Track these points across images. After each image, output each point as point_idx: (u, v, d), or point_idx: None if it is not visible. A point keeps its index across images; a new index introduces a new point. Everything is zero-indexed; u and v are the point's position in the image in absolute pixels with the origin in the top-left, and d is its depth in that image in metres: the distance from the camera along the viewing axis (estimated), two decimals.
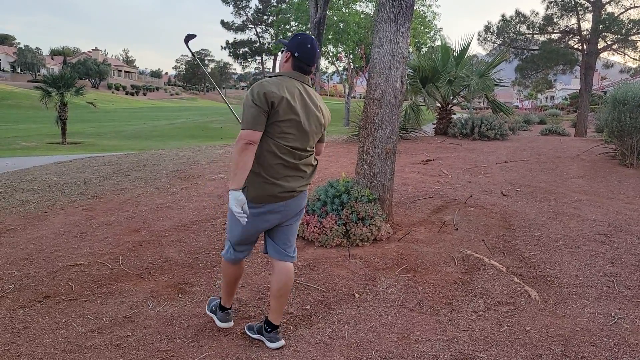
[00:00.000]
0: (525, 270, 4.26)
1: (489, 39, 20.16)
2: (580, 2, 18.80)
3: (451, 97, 11.24)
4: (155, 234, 5.11)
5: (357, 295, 3.81)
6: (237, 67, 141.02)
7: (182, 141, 27.01)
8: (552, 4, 19.14)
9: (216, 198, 6.26)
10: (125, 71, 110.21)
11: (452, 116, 11.14)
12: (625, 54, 19.88)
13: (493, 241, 4.94)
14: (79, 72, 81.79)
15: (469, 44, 11.01)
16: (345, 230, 4.76)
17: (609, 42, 19.44)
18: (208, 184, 6.91)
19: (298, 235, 4.90)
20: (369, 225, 4.79)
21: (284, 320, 3.42)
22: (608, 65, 24.78)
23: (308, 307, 3.63)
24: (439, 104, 11.24)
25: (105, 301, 3.75)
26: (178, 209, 5.90)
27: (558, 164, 7.83)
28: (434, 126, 11.34)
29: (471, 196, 6.06)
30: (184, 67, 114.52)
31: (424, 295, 3.81)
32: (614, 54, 20.62)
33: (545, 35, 20.59)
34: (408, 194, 6.31)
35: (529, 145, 9.60)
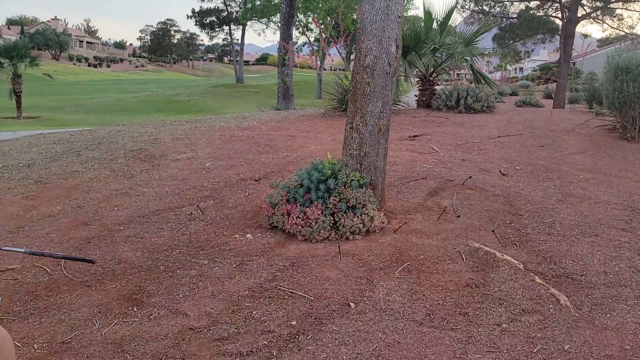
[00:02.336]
0: (545, 267, 3.65)
1: (466, 6, 19.48)
2: None
3: (433, 68, 10.54)
4: (108, 228, 4.32)
5: (352, 305, 3.13)
6: (204, 38, 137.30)
7: (147, 115, 25.76)
8: None
9: (181, 182, 5.47)
10: (87, 42, 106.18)
11: (435, 87, 10.46)
12: (604, 22, 19.49)
13: (501, 230, 4.32)
14: (38, 42, 78.21)
15: (452, 9, 10.30)
16: (333, 222, 4.06)
17: (588, 10, 18.99)
18: (172, 165, 6.10)
19: (277, 227, 4.19)
20: (361, 215, 4.10)
21: (265, 343, 2.74)
22: (586, 35, 24.40)
23: (294, 322, 2.95)
24: (421, 75, 10.53)
25: (40, 320, 2.99)
26: (136, 195, 5.09)
27: (554, 138, 7.26)
28: (416, 98, 10.65)
29: (470, 177, 5.42)
30: (149, 37, 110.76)
31: (432, 302, 3.16)
32: (592, 23, 20.21)
33: (525, 2, 20.01)
34: (398, 174, 5.64)
35: (519, 118, 9.02)
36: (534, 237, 4.16)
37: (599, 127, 7.83)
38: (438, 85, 10.63)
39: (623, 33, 19.31)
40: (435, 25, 9.84)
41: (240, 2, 46.01)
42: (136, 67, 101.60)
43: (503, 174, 5.73)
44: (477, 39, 9.97)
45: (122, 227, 4.33)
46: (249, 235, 4.16)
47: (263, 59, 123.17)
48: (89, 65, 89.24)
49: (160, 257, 3.79)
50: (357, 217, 4.08)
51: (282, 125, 8.66)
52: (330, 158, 4.46)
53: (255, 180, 5.54)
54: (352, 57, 40.89)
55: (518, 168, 5.97)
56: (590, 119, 8.35)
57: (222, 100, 34.20)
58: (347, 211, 4.09)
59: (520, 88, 40.47)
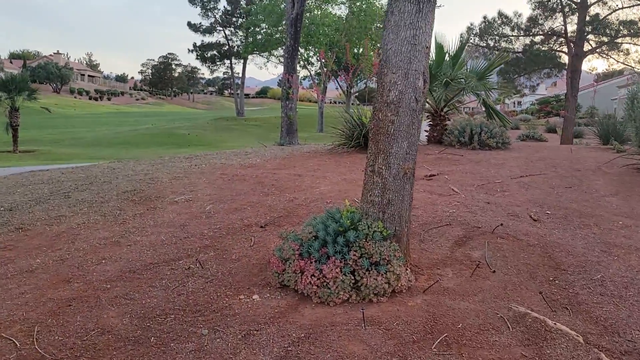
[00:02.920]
0: (609, 340, 3.07)
1: (471, 40, 19.24)
2: (566, 2, 18.06)
3: (444, 102, 10.11)
4: (93, 286, 3.75)
5: None
6: (205, 72, 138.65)
7: (146, 148, 25.38)
8: (539, 4, 18.32)
9: (178, 229, 4.91)
10: (88, 75, 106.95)
11: (447, 122, 10.01)
12: (609, 57, 19.26)
13: (545, 288, 3.75)
14: (39, 76, 78.78)
15: (465, 42, 9.95)
16: (354, 281, 3.50)
17: (593, 45, 18.78)
18: (169, 208, 5.55)
19: (289, 287, 3.63)
20: (386, 273, 3.54)
21: None
22: (592, 70, 24.18)
23: None
24: (432, 109, 10.09)
25: None
26: (127, 245, 4.53)
27: (581, 178, 6.75)
28: (426, 133, 10.19)
29: (501, 225, 4.87)
30: (150, 71, 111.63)
31: None
32: (597, 57, 19.98)
33: (530, 37, 19.80)
34: (420, 220, 5.09)
35: (538, 155, 8.53)
36: (585, 299, 3.59)
37: (627, 166, 7.32)
38: (449, 120, 10.18)
39: (630, 67, 19.06)
40: (447, 57, 9.45)
41: (241, 37, 46.28)
42: (137, 100, 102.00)
43: (534, 220, 5.19)
44: (490, 73, 9.57)
45: (109, 286, 3.75)
46: (255, 297, 3.58)
47: (263, 92, 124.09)
48: (90, 99, 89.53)
49: (152, 324, 3.21)
50: (382, 275, 3.52)
51: (287, 163, 8.15)
52: (348, 206, 3.92)
53: (261, 227, 4.99)
54: (353, 90, 40.83)
55: (548, 212, 5.43)
56: (615, 157, 7.85)
57: (222, 133, 33.92)
58: (370, 268, 3.53)
59: (521, 122, 40.33)
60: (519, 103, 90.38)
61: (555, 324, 3.19)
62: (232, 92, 59.64)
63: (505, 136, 9.46)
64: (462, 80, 9.26)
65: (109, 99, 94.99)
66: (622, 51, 18.73)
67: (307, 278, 3.50)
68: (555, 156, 8.37)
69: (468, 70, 9.69)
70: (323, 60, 30.88)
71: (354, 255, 3.53)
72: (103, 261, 4.19)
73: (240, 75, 50.28)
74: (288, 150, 10.03)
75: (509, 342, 3.02)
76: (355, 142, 8.96)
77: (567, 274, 4.00)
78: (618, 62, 19.07)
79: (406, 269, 3.80)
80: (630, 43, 18.25)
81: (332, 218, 3.84)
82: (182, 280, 3.85)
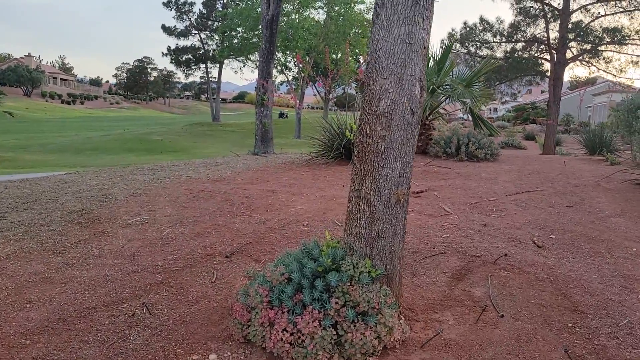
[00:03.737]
0: None
1: (452, 47, 18.73)
2: (548, 9, 17.72)
3: (428, 111, 9.52)
4: (7, 343, 2.97)
5: None
6: (181, 76, 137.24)
7: (116, 155, 24.31)
8: (522, 9, 17.94)
9: (127, 260, 4.15)
10: (61, 79, 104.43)
11: (432, 132, 9.41)
12: (591, 64, 18.99)
13: (565, 339, 3.11)
14: (9, 79, 76.64)
15: (450, 47, 9.40)
16: (336, 336, 2.79)
17: (575, 53, 18.47)
18: (119, 233, 4.78)
19: (256, 346, 2.91)
20: (375, 326, 2.85)
21: None
22: (573, 78, 23.93)
23: None
24: None
25: None
26: (62, 283, 3.76)
27: (582, 196, 6.17)
28: None
29: (506, 255, 4.23)
30: (125, 75, 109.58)
31: None
32: (578, 65, 19.73)
33: (512, 43, 19.42)
34: (410, 247, 4.43)
35: (530, 168, 7.96)
36: (616, 355, 2.95)
37: (627, 181, 6.79)
38: (434, 129, 9.58)
39: (612, 74, 18.83)
40: (431, 62, 8.85)
41: (217, 41, 45.35)
42: (111, 104, 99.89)
43: (538, 246, 4.57)
44: (477, 80, 9.00)
45: (28, 341, 2.98)
46: (212, 357, 2.86)
47: (240, 97, 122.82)
48: (62, 102, 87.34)
49: None
50: (371, 329, 2.82)
51: (260, 177, 7.42)
52: (328, 239, 3.23)
53: (226, 257, 4.26)
54: (331, 96, 40.26)
55: (553, 237, 4.82)
56: (614, 172, 7.32)
57: (197, 139, 32.93)
58: (356, 320, 2.84)
59: (498, 129, 40.26)
60: (495, 110, 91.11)
61: None
62: (208, 97, 58.57)
63: (494, 147, 8.90)
64: (448, 87, 8.67)
65: (82, 103, 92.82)
66: (603, 59, 18.50)
67: (278, 333, 2.79)
68: (549, 169, 7.81)
69: (454, 76, 9.11)
70: (300, 65, 30.20)
71: (336, 303, 2.84)
72: (27, 305, 3.41)
73: (217, 79, 49.30)
74: (262, 161, 9.30)
75: None
76: (335, 153, 8.29)
77: (588, 317, 3.37)
78: (599, 69, 18.84)
79: (399, 317, 3.11)
80: (613, 51, 18.04)
81: (309, 255, 3.14)
82: (123, 332, 3.10)
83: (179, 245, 4.46)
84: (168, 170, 8.16)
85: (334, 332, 2.78)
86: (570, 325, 3.29)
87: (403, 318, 3.17)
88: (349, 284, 2.91)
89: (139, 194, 6.14)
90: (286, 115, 55.94)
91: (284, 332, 2.78)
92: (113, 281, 3.77)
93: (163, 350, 2.90)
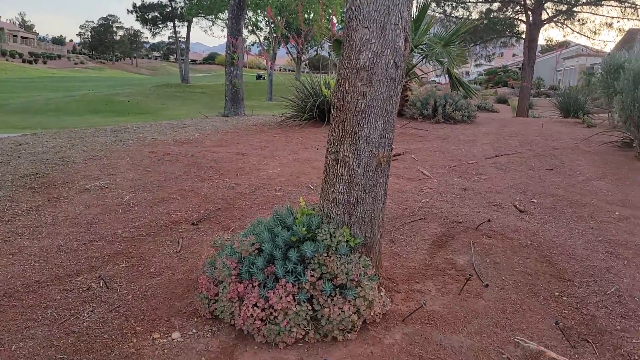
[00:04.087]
0: None
1: (429, 6, 18.24)
2: None
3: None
4: None
5: None
6: (148, 35, 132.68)
7: (79, 117, 23.39)
8: None
9: (84, 228, 3.82)
10: (22, 37, 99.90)
11: (408, 93, 9.13)
12: (565, 26, 18.83)
13: (553, 309, 2.95)
14: None
15: (428, 5, 9.05)
16: (312, 311, 2.56)
17: (550, 14, 18.27)
18: (76, 199, 4.43)
19: (224, 322, 2.66)
20: (354, 300, 2.62)
21: None
22: (548, 40, 23.84)
23: None
24: None
25: None
26: (10, 254, 3.42)
27: (562, 158, 6.03)
28: None
29: (489, 221, 4.05)
30: (89, 34, 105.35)
31: None
32: (553, 27, 19.53)
33: (488, 4, 19.09)
34: (388, 213, 4.21)
35: (508, 130, 7.79)
36: (606, 325, 2.80)
37: (606, 144, 6.68)
38: (410, 90, 9.30)
39: (586, 37, 18.75)
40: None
41: None
42: (75, 64, 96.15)
43: (520, 211, 4.40)
44: (455, 40, 8.69)
45: None
46: (176, 335, 2.60)
47: (211, 58, 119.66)
48: (24, 62, 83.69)
49: None
50: (349, 303, 2.60)
51: (230, 139, 7.06)
52: (303, 206, 2.96)
53: (193, 224, 3.96)
54: (304, 57, 39.51)
55: (534, 201, 4.66)
56: (592, 135, 7.20)
57: (165, 100, 31.95)
58: (334, 294, 2.61)
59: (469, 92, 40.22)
60: (467, 73, 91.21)
61: None
62: (177, 57, 56.81)
63: (471, 109, 8.69)
64: (425, 46, 8.35)
65: (44, 63, 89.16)
66: (578, 20, 18.37)
67: (248, 309, 2.53)
68: (527, 132, 7.65)
69: (432, 35, 8.78)
70: (271, 20, 29.28)
71: (312, 276, 2.59)
72: None
73: (185, 39, 47.73)
74: (232, 123, 8.91)
75: None
76: (309, 115, 7.96)
77: (575, 286, 3.22)
78: (574, 31, 18.74)
79: (379, 290, 2.90)
80: (588, 12, 17.88)
81: (282, 223, 2.88)
82: (77, 309, 2.81)
83: (141, 212, 4.14)
84: (132, 132, 7.72)
85: (310, 307, 2.55)
86: (557, 294, 3.13)
87: (383, 290, 2.96)
88: (325, 255, 2.66)
89: (100, 156, 5.74)
90: (263, 78, 54.85)
91: (255, 308, 2.54)
92: (67, 252, 3.45)
93: (121, 328, 2.63)
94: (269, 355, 2.45)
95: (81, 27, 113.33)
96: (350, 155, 2.81)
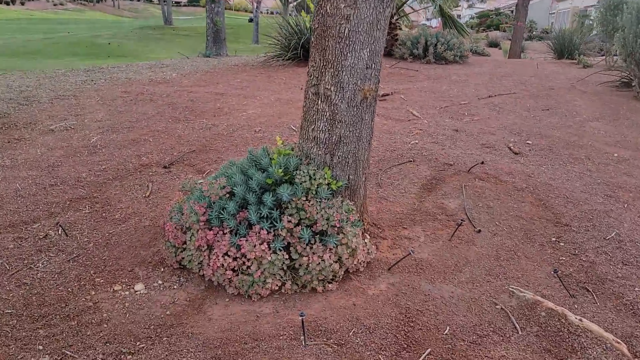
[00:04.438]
0: None
1: None
2: None
3: (394, 9, 8.72)
4: None
5: None
6: None
7: (58, 59, 22.48)
8: None
9: (45, 171, 3.52)
10: None
11: (398, 32, 8.67)
12: None
13: (548, 255, 2.75)
14: None
15: None
16: (288, 261, 2.32)
17: None
18: (39, 140, 4.09)
19: (193, 272, 2.42)
20: (336, 247, 2.38)
21: None
22: None
23: None
24: None
25: None
26: None
27: (557, 99, 5.75)
28: None
29: (482, 163, 3.79)
30: None
31: None
32: None
33: None
34: (375, 155, 3.94)
35: (502, 70, 7.45)
36: (607, 272, 2.60)
37: (603, 84, 6.38)
38: (400, 29, 8.85)
39: None
40: None
41: None
42: (55, 5, 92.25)
43: (515, 153, 4.15)
44: None
45: None
46: (139, 286, 2.36)
47: (195, 0, 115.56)
48: (0, 2, 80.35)
49: None
50: (330, 251, 2.36)
51: (209, 79, 6.66)
52: (280, 145, 2.67)
53: (165, 167, 3.68)
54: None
55: (529, 142, 4.40)
56: (589, 75, 6.89)
57: (147, 43, 30.78)
58: (313, 241, 2.36)
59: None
60: (459, 17, 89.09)
61: (580, 320, 2.19)
62: None
63: (464, 48, 8.30)
64: None
65: (22, 4, 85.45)
66: None
67: (218, 258, 2.29)
68: (521, 72, 7.32)
69: None
70: None
71: (289, 222, 2.34)
72: None
73: None
74: (213, 63, 8.45)
75: (523, 356, 1.99)
76: (293, 54, 7.53)
77: (572, 230, 3.01)
78: None
79: (364, 236, 2.66)
80: None
81: (257, 165, 2.60)
82: (31, 258, 2.55)
83: (108, 155, 3.83)
84: (106, 72, 7.27)
85: (286, 256, 2.31)
86: (554, 239, 2.92)
87: (368, 236, 2.73)
88: (304, 199, 2.40)
89: (68, 96, 5.35)
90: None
91: (226, 257, 2.29)
92: (24, 197, 3.16)
93: (78, 280, 2.38)
94: (241, 308, 2.23)
95: None
96: (332, 88, 2.50)
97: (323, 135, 2.57)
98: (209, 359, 1.91)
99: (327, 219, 2.38)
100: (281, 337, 2.03)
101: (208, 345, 1.98)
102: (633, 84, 5.75)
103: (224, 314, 2.19)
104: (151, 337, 2.03)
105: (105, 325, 2.09)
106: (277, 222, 2.36)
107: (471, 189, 3.45)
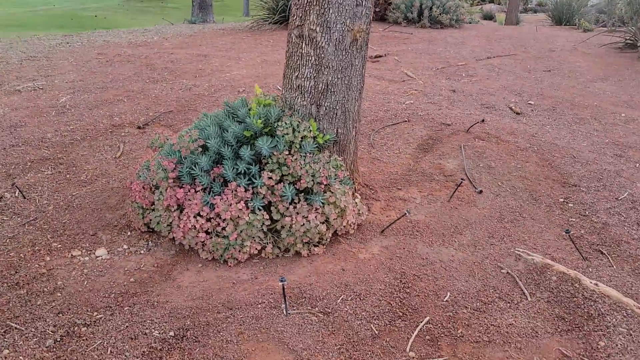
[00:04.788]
0: None
1: None
2: None
3: None
4: None
5: None
6: None
7: (43, 32, 21.87)
8: None
9: (7, 132, 3.23)
10: None
11: None
12: None
13: (557, 217, 2.50)
14: None
15: None
16: (269, 222, 2.06)
17: None
18: (3, 100, 3.78)
19: (162, 236, 2.16)
20: (323, 207, 2.12)
21: None
22: None
23: None
24: None
25: None
26: None
27: (559, 60, 5.46)
28: None
29: (482, 121, 3.53)
30: None
31: None
32: None
33: None
34: (367, 115, 3.66)
35: (499, 33, 7.13)
36: (621, 233, 2.37)
37: (605, 45, 6.09)
38: None
39: None
40: None
41: None
42: None
43: (516, 113, 3.88)
44: None
45: None
46: (101, 251, 2.10)
47: None
48: None
49: None
50: (316, 210, 2.10)
51: (192, 41, 6.31)
52: (260, 94, 2.38)
53: (139, 128, 3.39)
54: None
55: (532, 103, 4.13)
56: (589, 37, 6.60)
57: (135, 15, 30.01)
58: (297, 200, 2.10)
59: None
60: None
61: (596, 284, 1.95)
62: None
63: (460, 12, 7.94)
64: None
65: None
66: None
67: (190, 219, 2.02)
68: (520, 35, 7.01)
69: None
70: None
71: (270, 178, 2.07)
72: None
73: None
74: (198, 28, 8.06)
75: (533, 325, 1.75)
76: (280, 16, 7.16)
77: (582, 191, 2.76)
78: None
79: (354, 196, 2.40)
80: None
81: (234, 116, 2.31)
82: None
83: (78, 115, 3.53)
84: (85, 37, 6.89)
85: (267, 216, 2.04)
86: (561, 200, 2.67)
87: (359, 197, 2.46)
88: (287, 153, 2.12)
89: (39, 57, 5.01)
90: None
91: (198, 218, 2.03)
92: None
93: (32, 245, 2.12)
94: (215, 274, 1.98)
95: None
96: (317, 28, 2.21)
97: (308, 83, 2.29)
98: (176, 330, 1.66)
99: (313, 175, 2.11)
100: (259, 306, 1.78)
101: (175, 315, 1.73)
102: (638, 44, 5.47)
103: (196, 281, 1.93)
104: (111, 307, 1.77)
105: (59, 294, 1.83)
106: (256, 179, 2.09)
107: (471, 149, 3.19)
